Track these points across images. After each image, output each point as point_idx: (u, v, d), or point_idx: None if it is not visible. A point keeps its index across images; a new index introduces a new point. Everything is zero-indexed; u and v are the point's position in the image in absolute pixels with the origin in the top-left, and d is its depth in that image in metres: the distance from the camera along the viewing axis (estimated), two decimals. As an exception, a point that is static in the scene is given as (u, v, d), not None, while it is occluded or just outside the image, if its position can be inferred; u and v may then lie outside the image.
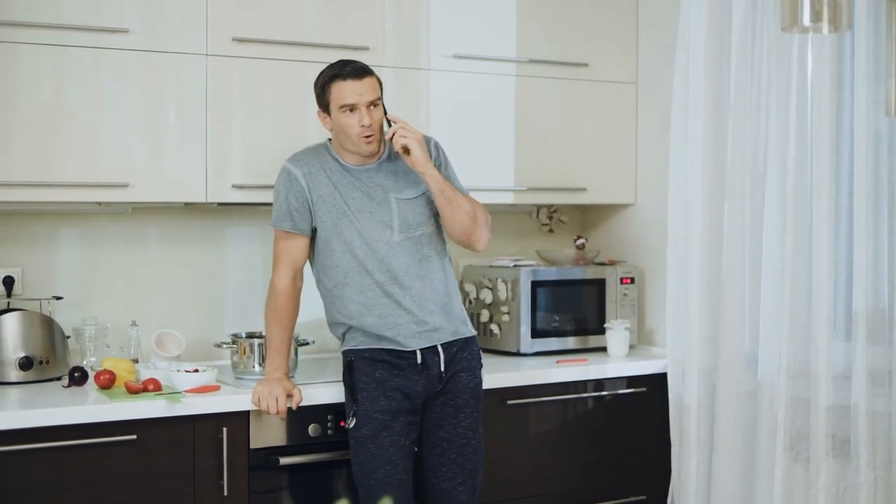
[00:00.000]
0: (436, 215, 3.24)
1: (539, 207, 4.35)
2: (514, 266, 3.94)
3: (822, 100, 3.27)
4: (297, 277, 3.23)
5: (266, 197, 3.44)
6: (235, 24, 3.44)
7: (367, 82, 3.09)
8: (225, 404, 3.14)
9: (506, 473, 3.56)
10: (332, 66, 3.15)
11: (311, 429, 3.26)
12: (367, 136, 3.10)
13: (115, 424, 3.01)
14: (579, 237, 4.18)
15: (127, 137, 3.33)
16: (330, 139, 3.24)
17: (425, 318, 3.14)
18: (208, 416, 3.11)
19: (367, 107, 3.08)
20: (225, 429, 3.12)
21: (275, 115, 3.52)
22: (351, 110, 3.08)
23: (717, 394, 3.57)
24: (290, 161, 3.19)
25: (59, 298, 3.47)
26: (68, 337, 3.44)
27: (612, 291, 4.04)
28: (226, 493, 3.12)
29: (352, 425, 3.11)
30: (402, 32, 3.70)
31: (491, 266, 4.01)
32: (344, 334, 3.20)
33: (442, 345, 3.16)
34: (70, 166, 3.27)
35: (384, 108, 3.16)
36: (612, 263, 4.13)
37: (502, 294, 3.90)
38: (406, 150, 3.10)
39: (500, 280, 3.92)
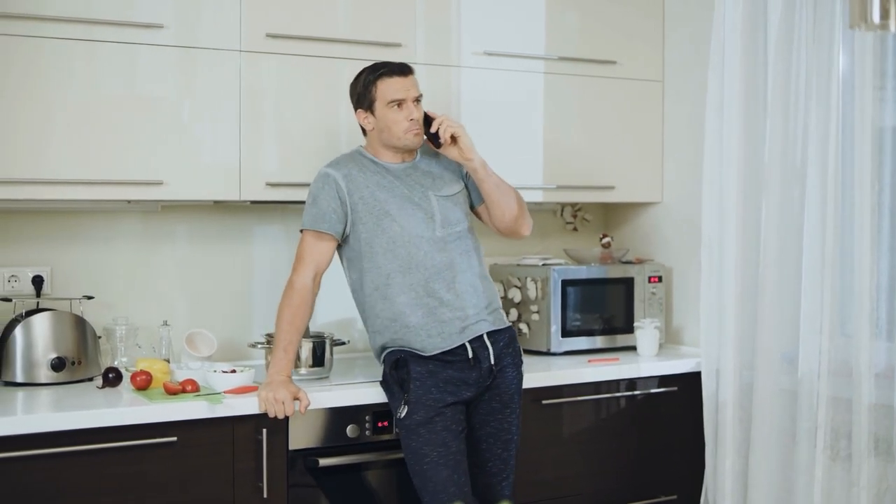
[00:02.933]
0: (469, 213, 3.29)
1: (563, 206, 4.33)
2: (544, 265, 3.91)
3: (864, 97, 3.26)
4: (317, 281, 3.20)
5: (300, 195, 3.41)
6: (269, 19, 3.40)
7: (411, 79, 3.19)
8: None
9: (540, 474, 3.54)
10: (373, 66, 3.20)
11: (350, 430, 3.22)
12: (414, 130, 3.16)
13: (155, 426, 2.96)
14: (605, 235, 4.15)
15: (160, 134, 3.29)
16: (361, 146, 3.27)
17: (468, 311, 3.15)
18: (248, 418, 3.06)
19: (413, 102, 3.15)
20: (265, 430, 3.07)
21: (308, 112, 3.49)
22: (398, 105, 3.14)
23: (755, 392, 3.55)
24: (329, 166, 3.21)
25: (89, 298, 3.41)
26: (99, 337, 3.38)
27: (641, 290, 4.01)
28: (265, 496, 3.07)
29: (403, 414, 3.09)
30: (434, 29, 3.68)
31: (519, 265, 3.98)
32: (386, 344, 3.18)
33: (488, 336, 3.15)
34: (103, 163, 3.22)
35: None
36: (639, 262, 4.10)
37: (532, 293, 3.87)
38: (454, 140, 3.15)
39: (529, 279, 3.89)
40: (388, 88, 3.13)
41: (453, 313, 3.12)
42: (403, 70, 3.17)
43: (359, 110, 3.20)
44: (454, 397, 3.11)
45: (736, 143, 3.61)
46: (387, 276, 3.13)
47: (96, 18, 3.17)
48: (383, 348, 3.20)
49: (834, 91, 3.34)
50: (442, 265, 3.14)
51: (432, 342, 3.11)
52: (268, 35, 3.39)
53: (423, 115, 3.18)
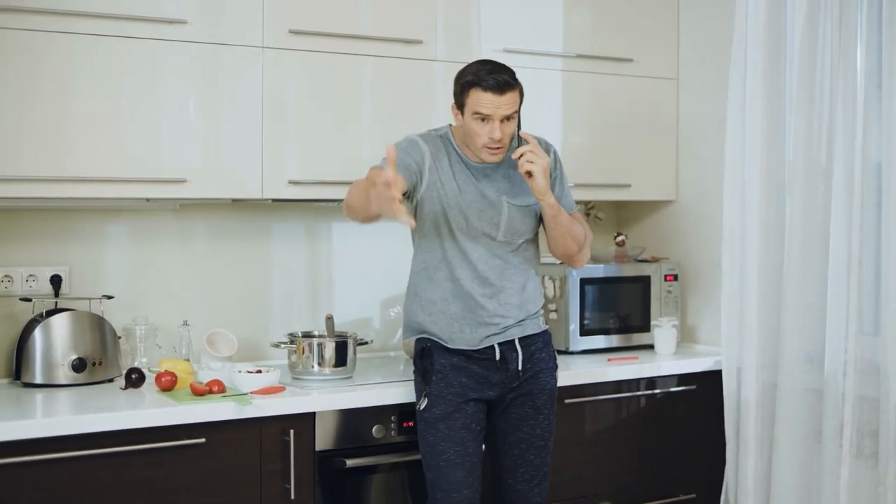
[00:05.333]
0: (537, 226, 3.18)
1: (576, 203, 4.30)
2: (562, 263, 3.87)
3: (892, 93, 3.26)
4: None
5: (321, 193, 3.38)
6: (292, 16, 3.37)
7: (507, 97, 2.95)
8: (291, 406, 3.06)
9: (560, 473, 3.49)
10: (478, 67, 2.99)
11: (376, 430, 3.19)
12: (492, 148, 3.01)
13: (182, 428, 2.92)
14: (619, 234, 4.14)
15: (183, 132, 3.25)
16: (450, 125, 3.12)
17: (508, 321, 3.09)
18: (275, 419, 3.03)
19: (501, 120, 2.97)
20: (292, 431, 3.04)
21: (330, 109, 3.45)
22: (483, 119, 2.98)
23: (778, 391, 3.54)
24: (419, 136, 3.07)
25: (109, 297, 3.36)
26: (119, 337, 3.34)
27: (657, 289, 4.01)
28: (292, 497, 3.04)
29: (423, 406, 3.06)
30: (454, 26, 3.65)
31: (536, 263, 3.96)
32: (420, 323, 3.11)
33: (520, 340, 3.10)
34: (125, 161, 3.17)
35: (519, 122, 3.04)
36: (655, 260, 4.09)
37: (550, 292, 3.86)
38: (529, 175, 3.00)
39: (547, 278, 3.87)
40: (478, 100, 2.94)
41: (491, 318, 3.07)
42: (502, 87, 2.93)
43: (453, 104, 3.05)
44: (476, 394, 3.08)
45: (758, 141, 3.60)
46: (439, 261, 3.06)
47: (119, 14, 3.13)
48: (414, 331, 3.13)
49: (860, 87, 3.33)
50: (494, 269, 3.06)
51: (463, 337, 3.06)
52: (290, 31, 3.35)
53: (512, 133, 3.00)
